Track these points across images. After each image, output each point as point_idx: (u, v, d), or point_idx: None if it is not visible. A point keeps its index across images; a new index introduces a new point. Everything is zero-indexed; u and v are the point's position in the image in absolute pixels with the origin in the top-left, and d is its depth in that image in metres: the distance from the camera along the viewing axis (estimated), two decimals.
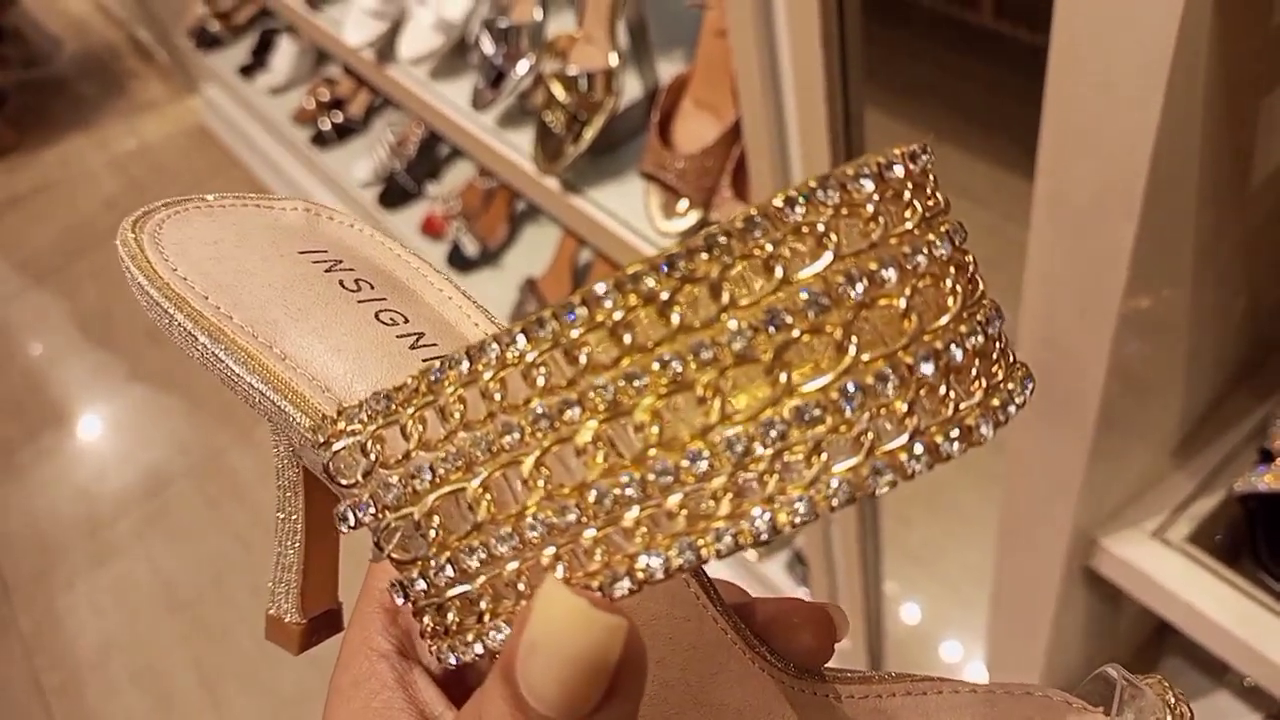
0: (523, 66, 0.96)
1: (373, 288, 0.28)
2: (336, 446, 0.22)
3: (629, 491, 0.18)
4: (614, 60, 0.86)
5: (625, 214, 0.86)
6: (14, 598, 1.46)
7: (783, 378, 0.18)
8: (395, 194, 1.55)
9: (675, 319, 0.18)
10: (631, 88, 0.91)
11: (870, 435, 0.18)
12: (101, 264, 1.98)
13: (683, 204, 0.78)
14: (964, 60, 1.95)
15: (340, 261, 0.29)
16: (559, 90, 0.87)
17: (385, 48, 1.16)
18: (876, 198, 0.19)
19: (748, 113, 0.61)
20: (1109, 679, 0.24)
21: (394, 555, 0.21)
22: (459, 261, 1.41)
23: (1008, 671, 0.78)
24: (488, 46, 0.99)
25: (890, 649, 1.09)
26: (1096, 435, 0.52)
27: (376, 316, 0.27)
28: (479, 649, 0.21)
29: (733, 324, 0.18)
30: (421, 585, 0.21)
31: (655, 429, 0.18)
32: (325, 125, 1.70)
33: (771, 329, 0.18)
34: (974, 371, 0.19)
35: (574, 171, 0.90)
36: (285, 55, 1.84)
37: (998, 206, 1.72)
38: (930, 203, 0.20)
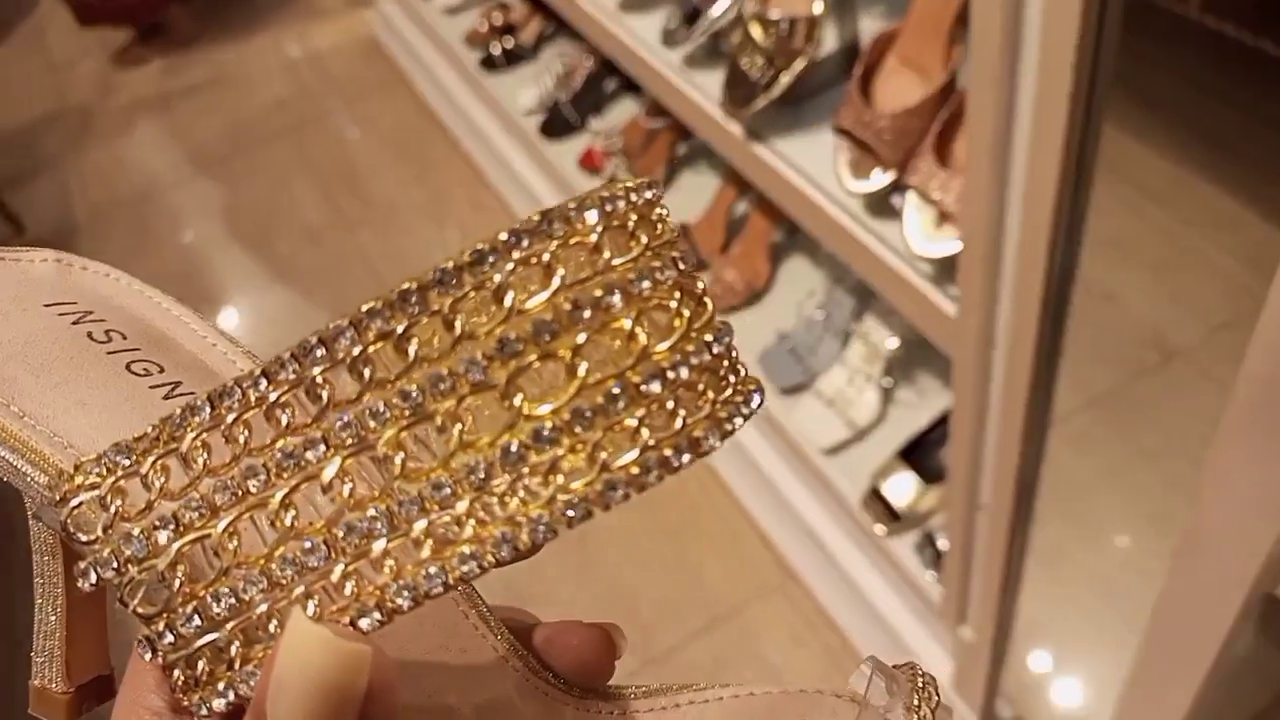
0: (720, 6, 0.94)
1: (125, 338, 0.27)
2: (74, 502, 0.21)
3: (375, 524, 0.19)
4: (818, 8, 0.84)
5: (809, 168, 0.84)
6: None
7: (517, 402, 0.19)
8: (557, 125, 1.55)
9: (412, 352, 0.19)
10: (828, 39, 0.88)
11: (604, 452, 0.19)
12: (265, 163, 2.05)
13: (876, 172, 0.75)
14: (1163, 52, 1.83)
15: (90, 313, 0.28)
16: (758, 32, 0.84)
17: None
18: (600, 229, 0.19)
19: (979, 75, 0.58)
20: (863, 671, 0.25)
21: (139, 610, 0.21)
22: None
23: (1151, 689, 0.74)
24: None
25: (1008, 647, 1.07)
26: None
27: (128, 368, 0.26)
28: (231, 696, 0.21)
29: (466, 354, 0.19)
30: (169, 638, 0.21)
31: (399, 460, 0.19)
32: (496, 50, 1.71)
33: (504, 357, 0.18)
34: (701, 387, 0.20)
35: (760, 119, 0.88)
36: None
37: (1176, 208, 1.62)
38: (656, 231, 0.20)
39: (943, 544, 1.03)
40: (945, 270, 0.74)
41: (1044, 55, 0.55)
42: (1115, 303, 1.48)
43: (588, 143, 1.52)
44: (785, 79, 0.82)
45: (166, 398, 0.26)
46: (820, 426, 1.13)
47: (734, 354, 0.21)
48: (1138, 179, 1.69)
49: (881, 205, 0.79)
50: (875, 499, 1.08)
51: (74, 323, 0.27)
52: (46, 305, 0.28)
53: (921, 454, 1.07)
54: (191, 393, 0.27)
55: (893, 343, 1.08)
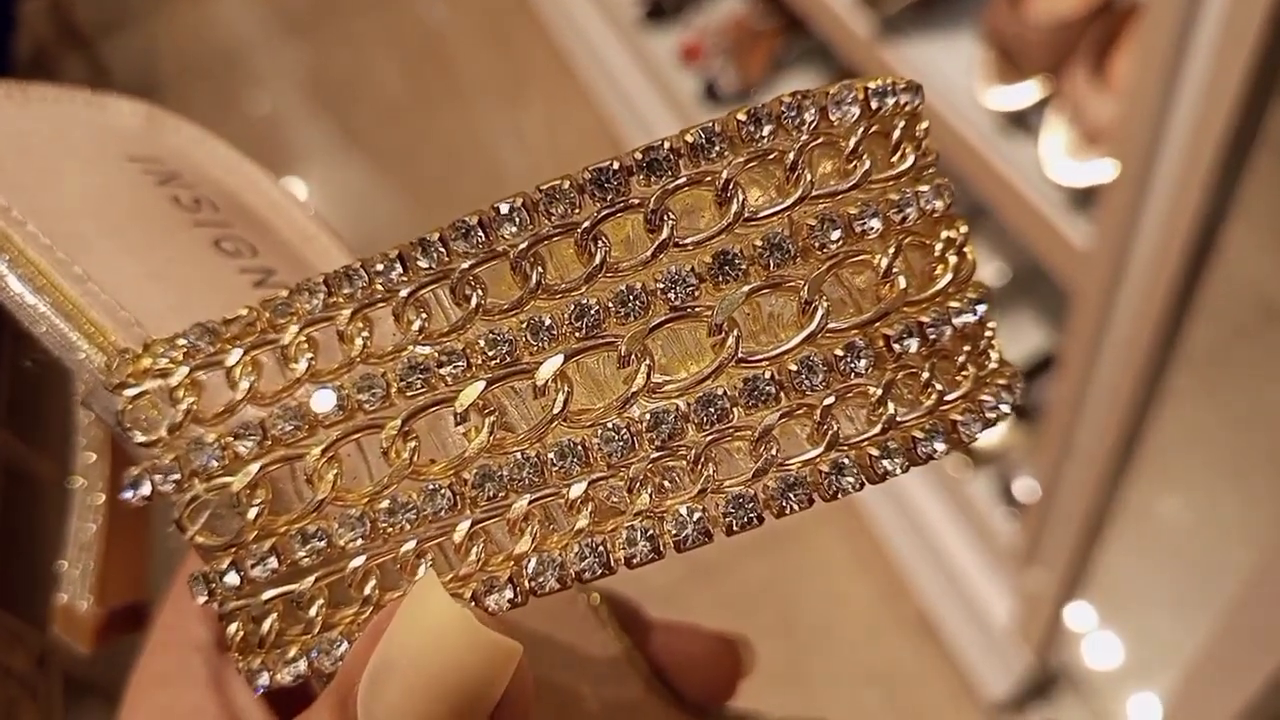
0: None
1: (216, 209, 0.23)
2: (134, 390, 0.17)
3: (520, 475, 0.15)
4: None
5: (939, 77, 0.79)
6: None
7: (730, 342, 0.14)
8: (658, 15, 1.49)
9: (598, 255, 0.14)
10: None
11: (835, 423, 0.15)
12: (353, 31, 2.01)
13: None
14: None
15: (179, 175, 0.23)
16: None
17: None
18: (861, 130, 0.15)
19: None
20: None
21: (200, 539, 0.16)
22: (712, 96, 1.36)
23: (1227, 665, 0.72)
24: None
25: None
26: None
27: (216, 244, 0.22)
28: (301, 667, 0.16)
29: (672, 267, 0.14)
30: (233, 579, 0.16)
31: (560, 396, 0.15)
32: None
33: (721, 277, 0.14)
34: (960, 359, 0.16)
35: (891, 19, 0.82)
36: None
37: None
38: (921, 150, 0.16)
39: (1019, 485, 1.00)
40: (1076, 199, 0.69)
41: None
42: (1221, 258, 1.41)
43: (688, 36, 1.46)
44: None
45: (257, 286, 0.22)
46: None
47: (993, 329, 0.17)
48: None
49: (1014, 124, 0.74)
50: None
51: (159, 183, 0.23)
52: (131, 160, 0.23)
53: None
54: (288, 284, 0.22)
55: (992, 275, 1.03)
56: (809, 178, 0.15)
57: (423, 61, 1.93)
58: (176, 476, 0.16)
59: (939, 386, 0.16)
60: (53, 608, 0.23)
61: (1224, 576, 1.13)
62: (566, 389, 0.15)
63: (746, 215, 0.15)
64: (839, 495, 0.15)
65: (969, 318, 0.16)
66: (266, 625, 0.16)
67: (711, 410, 0.15)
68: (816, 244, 0.15)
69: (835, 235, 0.15)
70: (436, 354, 0.15)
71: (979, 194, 0.78)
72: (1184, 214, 0.59)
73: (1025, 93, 0.69)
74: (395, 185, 1.73)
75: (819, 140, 0.15)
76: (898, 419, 0.15)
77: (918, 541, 1.13)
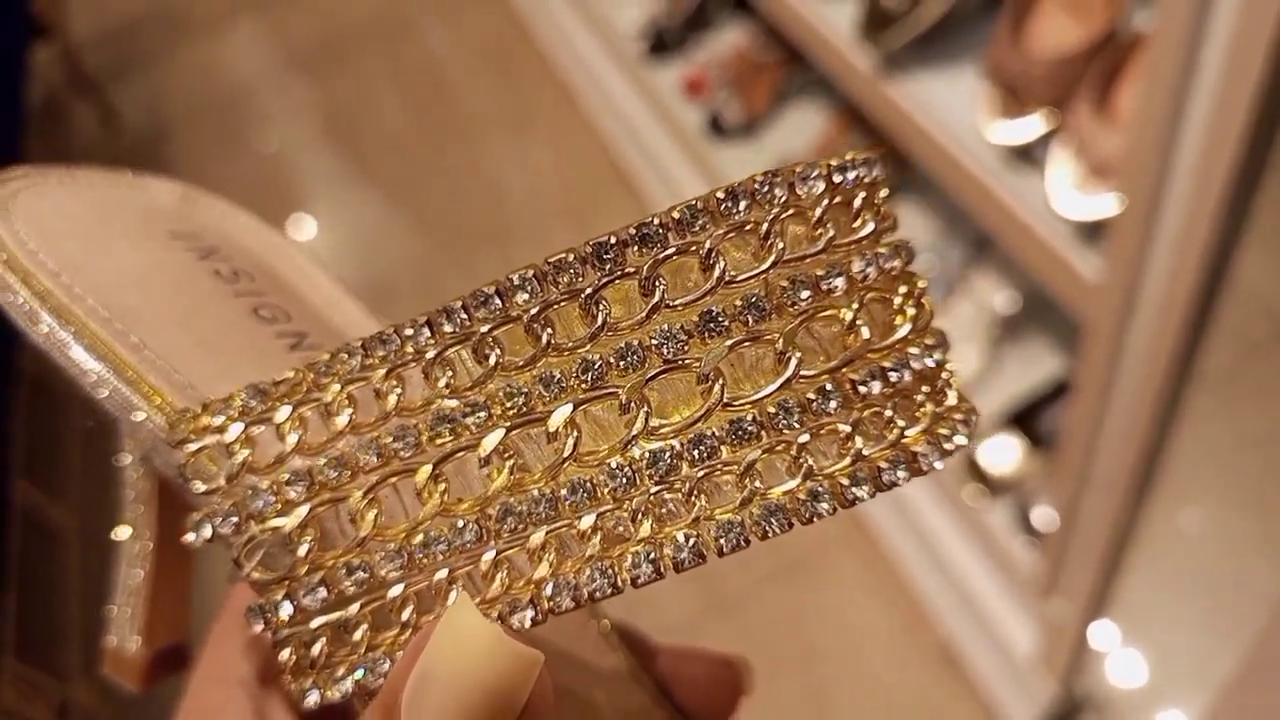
0: None
1: (253, 279, 0.25)
2: (195, 445, 0.19)
3: (537, 510, 0.17)
4: None
5: (943, 111, 0.79)
6: None
7: (716, 389, 0.16)
8: (661, 48, 1.50)
9: (600, 317, 0.16)
10: None
11: (810, 457, 0.17)
12: (359, 67, 2.03)
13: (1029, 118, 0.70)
14: None
15: (217, 249, 0.25)
16: None
17: None
18: (826, 202, 0.17)
19: (1165, 20, 0.53)
20: None
21: (256, 575, 0.18)
22: (716, 129, 1.36)
23: (1262, 691, 0.71)
24: None
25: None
26: None
27: (255, 312, 0.24)
28: (348, 685, 0.18)
29: (664, 326, 0.16)
30: (287, 609, 0.18)
31: (570, 440, 0.17)
32: None
33: (706, 334, 0.16)
34: (920, 398, 0.18)
35: (892, 54, 0.83)
36: None
37: None
38: (880, 214, 0.18)
39: (1037, 514, 1.00)
40: (1084, 232, 0.69)
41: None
42: (1232, 279, 1.40)
43: (691, 69, 1.47)
44: (929, 11, 0.77)
45: (293, 349, 0.24)
46: None
47: (951, 370, 0.19)
48: None
49: (1020, 158, 0.74)
50: (969, 462, 1.05)
51: (200, 258, 0.25)
52: (173, 236, 0.26)
53: (1023, 418, 1.03)
54: (319, 346, 0.25)
55: (1003, 302, 1.03)
56: (780, 245, 0.17)
57: (428, 96, 1.94)
58: (235, 520, 0.18)
59: (901, 423, 0.18)
60: (102, 649, 0.25)
61: (1245, 592, 1.12)
62: (575, 434, 0.17)
63: (727, 279, 0.17)
64: (814, 519, 0.17)
65: (927, 361, 0.18)
66: (316, 649, 0.18)
67: (702, 448, 0.17)
68: (789, 302, 0.17)
69: (805, 294, 0.17)
70: (461, 406, 0.17)
71: (986, 227, 0.78)
72: (1195, 244, 0.59)
73: (1030, 127, 0.70)
74: (404, 219, 1.74)
75: (789, 211, 0.17)
76: (865, 452, 0.17)
77: (938, 572, 1.13)
